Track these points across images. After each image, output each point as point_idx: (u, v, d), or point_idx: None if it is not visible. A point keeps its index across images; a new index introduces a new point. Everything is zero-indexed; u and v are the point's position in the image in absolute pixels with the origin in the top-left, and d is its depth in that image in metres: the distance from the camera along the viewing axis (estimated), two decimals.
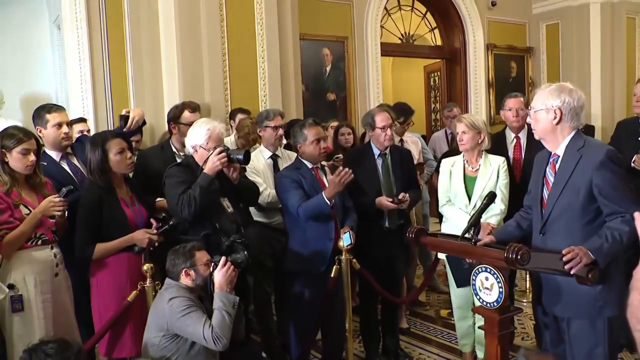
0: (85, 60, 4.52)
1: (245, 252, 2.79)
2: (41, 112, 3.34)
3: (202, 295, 2.82)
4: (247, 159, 3.17)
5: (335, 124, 5.10)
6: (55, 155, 3.38)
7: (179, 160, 3.47)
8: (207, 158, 3.06)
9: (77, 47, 4.51)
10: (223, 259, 2.73)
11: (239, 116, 4.68)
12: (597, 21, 7.97)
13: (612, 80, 8.06)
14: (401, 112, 4.76)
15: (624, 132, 4.06)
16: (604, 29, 7.97)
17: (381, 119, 3.70)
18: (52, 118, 3.31)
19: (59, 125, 3.32)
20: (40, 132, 3.32)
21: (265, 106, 4.86)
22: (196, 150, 3.17)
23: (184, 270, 2.74)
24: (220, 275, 2.70)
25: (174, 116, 3.86)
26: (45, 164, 3.23)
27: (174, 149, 3.80)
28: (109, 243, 3.00)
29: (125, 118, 3.53)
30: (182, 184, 3.05)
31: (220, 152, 3.05)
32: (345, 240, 3.37)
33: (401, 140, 4.80)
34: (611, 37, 8.02)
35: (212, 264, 2.76)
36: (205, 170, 3.04)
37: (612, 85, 8.06)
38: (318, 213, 3.36)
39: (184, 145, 3.38)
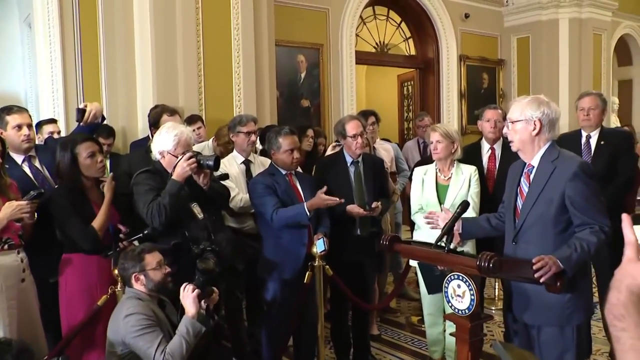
0: (57, 59, 4.44)
1: (213, 261, 2.67)
2: (1, 113, 3.26)
3: (163, 300, 2.75)
4: (217, 164, 3.07)
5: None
6: (17, 157, 3.28)
7: None
8: (176, 164, 2.98)
9: (48, 47, 4.44)
10: (190, 286, 2.59)
11: (196, 123, 4.47)
12: (565, 36, 8.22)
13: (580, 93, 8.24)
14: (360, 115, 4.80)
15: (564, 146, 4.12)
16: (572, 43, 8.20)
17: (352, 127, 3.73)
18: (12, 119, 3.22)
19: (19, 127, 3.22)
20: (1, 134, 3.23)
21: (240, 111, 4.84)
22: (164, 157, 3.08)
23: (133, 275, 2.65)
24: (186, 301, 2.58)
25: (154, 121, 3.78)
26: (7, 166, 3.15)
27: None
28: None
29: (82, 111, 3.43)
30: (151, 191, 2.98)
31: (189, 158, 2.96)
32: (319, 246, 3.37)
33: (373, 149, 4.82)
34: (579, 51, 8.25)
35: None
36: (174, 177, 2.96)
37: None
38: (294, 222, 3.36)
39: None
